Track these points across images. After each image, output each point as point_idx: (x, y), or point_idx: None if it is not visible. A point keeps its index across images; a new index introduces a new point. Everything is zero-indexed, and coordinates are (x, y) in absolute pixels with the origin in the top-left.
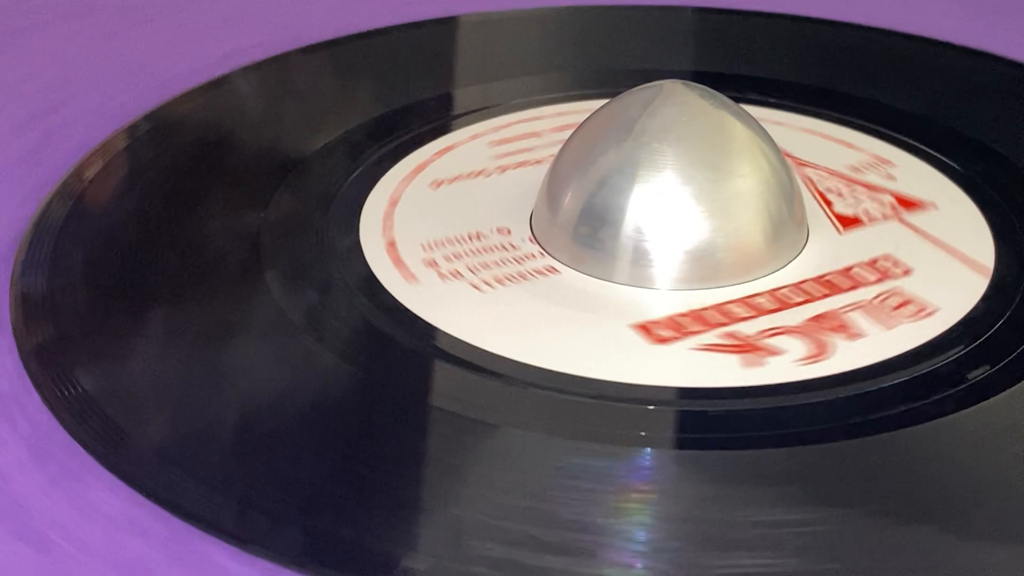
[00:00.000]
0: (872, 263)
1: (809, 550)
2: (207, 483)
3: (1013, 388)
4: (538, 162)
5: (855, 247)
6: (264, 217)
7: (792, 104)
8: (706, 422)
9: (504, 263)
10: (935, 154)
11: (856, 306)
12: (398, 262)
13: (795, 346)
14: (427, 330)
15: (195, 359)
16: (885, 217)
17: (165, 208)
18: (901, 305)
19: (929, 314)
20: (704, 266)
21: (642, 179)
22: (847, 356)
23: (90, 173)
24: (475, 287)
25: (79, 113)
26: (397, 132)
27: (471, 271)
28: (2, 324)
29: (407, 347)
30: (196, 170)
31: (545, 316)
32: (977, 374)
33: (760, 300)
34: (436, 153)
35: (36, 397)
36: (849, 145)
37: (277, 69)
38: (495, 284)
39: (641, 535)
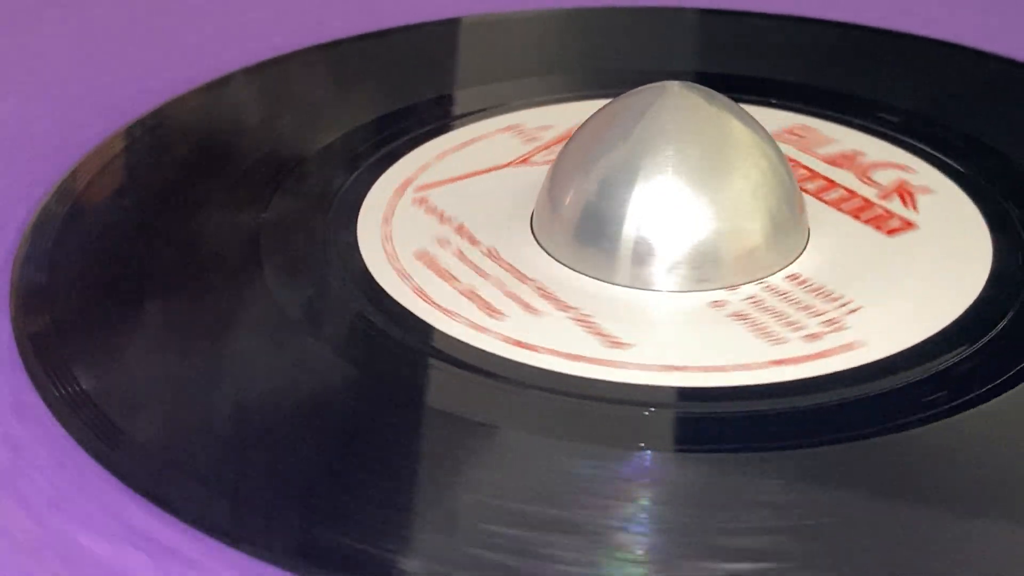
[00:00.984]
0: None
1: (810, 552)
2: (202, 481)
3: (1014, 388)
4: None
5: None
6: (263, 217)
7: (792, 104)
8: (706, 422)
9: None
10: (935, 154)
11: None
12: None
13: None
14: (425, 330)
15: (193, 358)
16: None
17: (164, 208)
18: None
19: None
20: (705, 267)
21: (643, 180)
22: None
23: (90, 172)
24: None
25: (80, 112)
26: (397, 133)
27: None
28: (2, 324)
29: (405, 347)
30: (196, 170)
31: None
32: (977, 373)
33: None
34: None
35: (34, 393)
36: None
37: (277, 69)
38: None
39: (639, 537)
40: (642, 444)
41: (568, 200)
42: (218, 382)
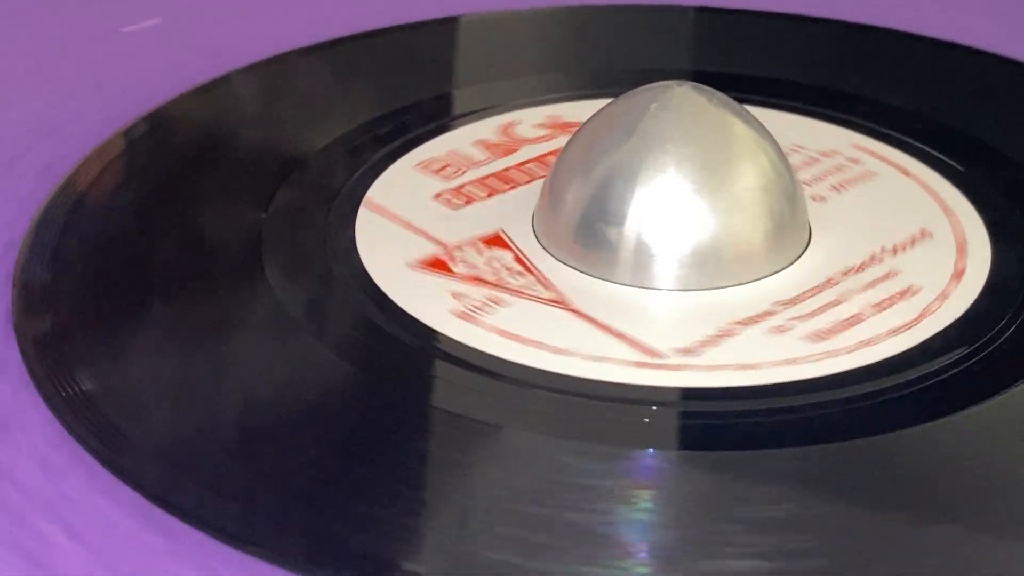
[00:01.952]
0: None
1: (810, 552)
2: (205, 482)
3: (1014, 388)
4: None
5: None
6: (265, 217)
7: (793, 104)
8: (707, 423)
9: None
10: (935, 153)
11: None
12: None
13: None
14: (427, 330)
15: (196, 358)
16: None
17: (166, 207)
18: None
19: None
20: (706, 266)
21: (644, 179)
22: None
23: (92, 172)
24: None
25: (81, 111)
26: (397, 132)
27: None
28: (3, 323)
29: (408, 347)
30: (197, 170)
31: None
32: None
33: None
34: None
35: (36, 394)
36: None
37: (277, 69)
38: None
39: (643, 536)
40: (645, 444)
41: (569, 199)
42: (220, 382)
